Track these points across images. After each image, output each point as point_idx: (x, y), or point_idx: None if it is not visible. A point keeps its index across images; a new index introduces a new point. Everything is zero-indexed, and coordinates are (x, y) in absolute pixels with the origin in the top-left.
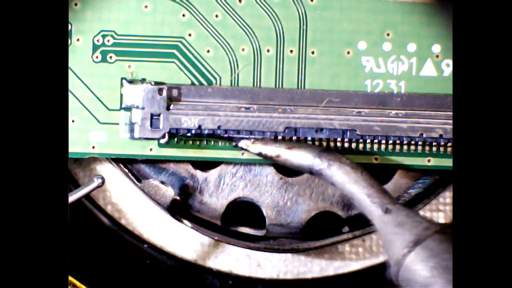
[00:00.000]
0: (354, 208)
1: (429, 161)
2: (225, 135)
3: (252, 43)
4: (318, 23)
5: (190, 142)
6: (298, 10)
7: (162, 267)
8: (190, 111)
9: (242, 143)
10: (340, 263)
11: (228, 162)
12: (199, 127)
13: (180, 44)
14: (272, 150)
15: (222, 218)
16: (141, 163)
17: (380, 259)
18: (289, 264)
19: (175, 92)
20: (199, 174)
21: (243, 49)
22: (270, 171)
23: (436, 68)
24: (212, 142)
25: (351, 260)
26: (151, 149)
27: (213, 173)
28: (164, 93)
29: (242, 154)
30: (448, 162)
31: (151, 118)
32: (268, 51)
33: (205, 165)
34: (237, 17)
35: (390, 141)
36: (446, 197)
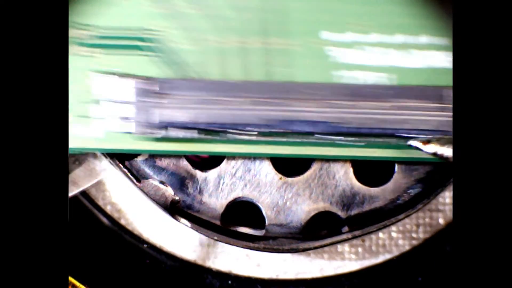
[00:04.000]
0: (354, 208)
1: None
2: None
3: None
4: None
5: (181, 135)
6: None
7: (162, 267)
8: (184, 105)
9: (413, 143)
10: (340, 263)
11: (228, 160)
12: (189, 121)
13: (162, 38)
14: (447, 151)
15: (221, 218)
16: (140, 162)
17: (379, 259)
18: (288, 264)
19: (167, 86)
20: (198, 174)
21: (228, 42)
22: (269, 171)
23: (416, 60)
24: (204, 136)
25: (350, 260)
26: (145, 144)
27: (212, 173)
28: (156, 87)
29: (233, 147)
30: (420, 154)
31: (143, 113)
32: (256, 43)
33: (205, 165)
34: (219, 9)
35: (363, 133)
36: (446, 197)
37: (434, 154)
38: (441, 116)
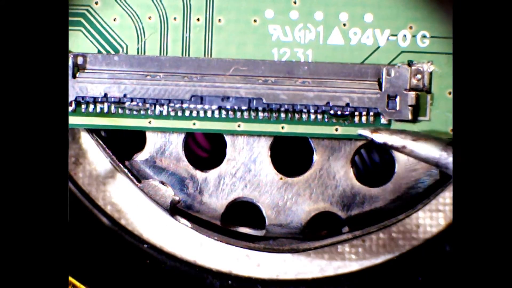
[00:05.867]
0: (354, 208)
1: (336, 130)
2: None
3: (158, 11)
4: None
5: (98, 110)
6: None
7: (162, 267)
8: (96, 79)
9: (363, 131)
10: (340, 263)
11: (228, 160)
12: (105, 95)
13: (86, 12)
14: (398, 141)
15: (222, 218)
16: (140, 163)
17: (380, 259)
18: (288, 264)
19: (80, 60)
20: (198, 174)
21: (149, 17)
22: (270, 171)
23: (343, 37)
24: (120, 110)
25: (350, 260)
26: None
27: (212, 173)
28: (70, 61)
29: (150, 122)
30: (354, 131)
31: None
32: (174, 19)
33: (205, 165)
34: None
35: (297, 110)
36: (446, 197)
37: (384, 144)
38: (378, 93)
